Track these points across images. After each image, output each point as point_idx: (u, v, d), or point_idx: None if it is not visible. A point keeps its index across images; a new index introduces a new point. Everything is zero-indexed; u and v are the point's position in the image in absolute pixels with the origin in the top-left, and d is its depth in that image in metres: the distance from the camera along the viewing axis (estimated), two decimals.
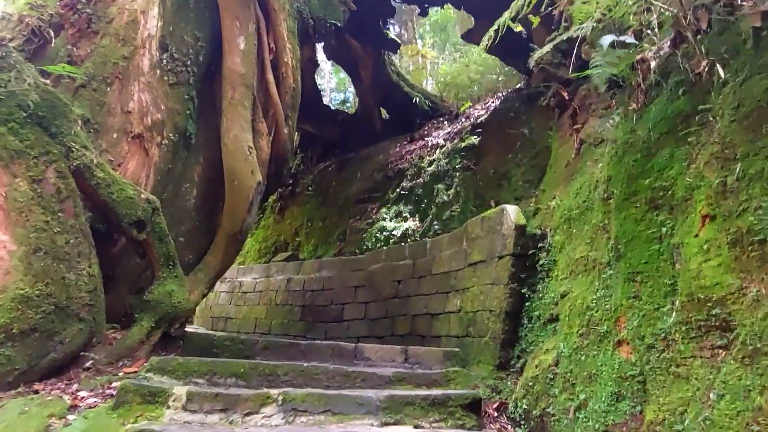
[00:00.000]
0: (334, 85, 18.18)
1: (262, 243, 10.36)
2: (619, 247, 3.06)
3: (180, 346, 5.00)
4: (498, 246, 4.60)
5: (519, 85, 8.93)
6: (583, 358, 3.19)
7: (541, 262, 4.31)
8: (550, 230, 4.47)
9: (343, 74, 13.91)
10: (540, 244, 4.41)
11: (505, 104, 8.39)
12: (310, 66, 10.64)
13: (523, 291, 4.32)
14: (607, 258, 3.27)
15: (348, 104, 13.08)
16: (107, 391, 3.50)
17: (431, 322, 5.78)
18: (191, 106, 5.60)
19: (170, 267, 4.90)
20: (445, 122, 10.06)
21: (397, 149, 9.99)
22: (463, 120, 9.42)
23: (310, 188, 10.08)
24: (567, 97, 5.78)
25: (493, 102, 9.18)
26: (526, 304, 4.27)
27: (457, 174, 8.04)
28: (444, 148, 8.79)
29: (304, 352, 4.77)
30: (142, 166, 5.17)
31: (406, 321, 6.27)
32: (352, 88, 12.25)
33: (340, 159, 10.45)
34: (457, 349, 4.76)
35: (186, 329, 5.14)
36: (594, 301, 3.27)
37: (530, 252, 4.40)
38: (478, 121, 8.65)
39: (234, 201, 5.45)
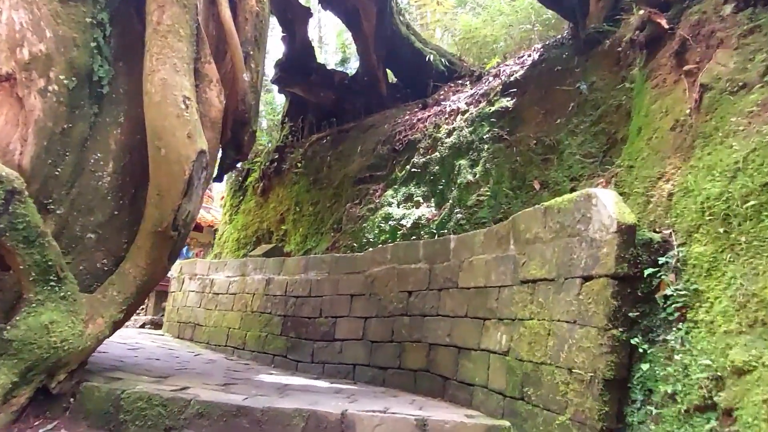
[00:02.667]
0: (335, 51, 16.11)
1: (241, 231, 8.53)
2: None
3: (69, 409, 3.20)
4: (582, 257, 2.73)
5: (563, 35, 6.95)
6: None
7: (666, 293, 2.44)
8: (677, 234, 2.59)
9: (346, 34, 11.90)
10: (661, 259, 2.54)
11: (549, 55, 6.41)
12: (301, 13, 8.69)
13: (633, 342, 2.45)
14: None
15: (347, 64, 11.13)
16: None
17: (458, 360, 3.95)
18: (100, 34, 3.72)
19: (49, 284, 3.08)
20: (467, 84, 8.10)
21: (407, 117, 8.07)
22: (491, 80, 7.45)
23: (299, 165, 8.20)
24: (666, 26, 3.84)
25: (529, 55, 7.20)
26: (641, 367, 2.40)
27: (486, 146, 6.14)
28: (467, 115, 6.87)
29: (259, 423, 2.96)
30: (12, 123, 3.33)
31: (421, 351, 4.45)
32: (352, 46, 10.25)
33: (336, 129, 8.54)
34: (507, 423, 2.94)
35: (83, 380, 3.34)
36: None
37: (646, 272, 2.52)
38: (512, 79, 6.69)
39: (161, 179, 3.60)
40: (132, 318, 13.63)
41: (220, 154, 4.32)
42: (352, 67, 10.74)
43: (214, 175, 4.40)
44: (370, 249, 5.75)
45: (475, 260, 4.02)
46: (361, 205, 7.04)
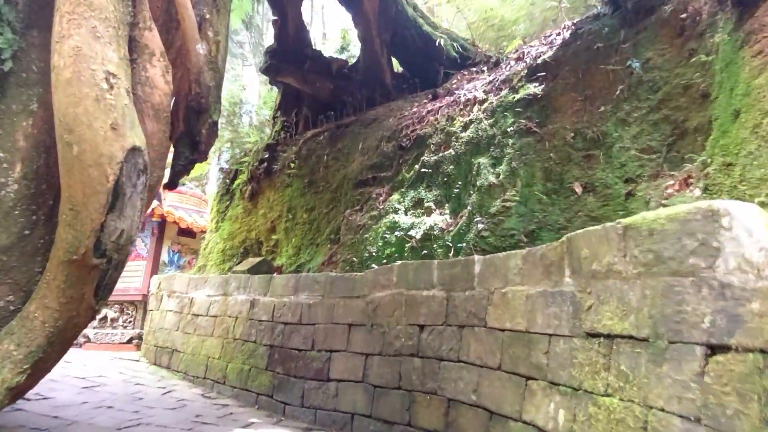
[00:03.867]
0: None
1: (227, 241, 7.51)
2: None
3: None
4: (703, 312, 1.69)
5: (599, 8, 5.86)
6: None
7: None
8: None
9: (346, 20, 10.89)
10: None
11: (586, 32, 5.34)
12: None
13: None
14: None
15: (347, 52, 10.08)
16: None
17: (489, 429, 2.90)
18: None
19: None
20: (483, 71, 7.05)
21: (415, 109, 7.03)
22: (512, 64, 6.39)
23: (292, 165, 7.18)
24: None
25: (558, 34, 6.13)
26: None
27: (510, 141, 5.10)
28: (485, 105, 5.82)
29: None
30: None
31: (437, 406, 3.41)
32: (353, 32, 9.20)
33: (335, 124, 7.51)
34: None
35: None
36: None
37: None
38: (539, 61, 5.63)
39: (75, 189, 2.58)
40: (119, 332, 12.68)
41: (172, 153, 3.30)
42: (353, 55, 9.70)
43: (164, 180, 3.38)
44: (373, 267, 4.71)
45: (511, 292, 2.98)
46: (363, 212, 6.02)
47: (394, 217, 5.53)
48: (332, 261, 5.80)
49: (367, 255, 5.43)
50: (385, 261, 5.22)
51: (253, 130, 8.21)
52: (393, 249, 5.27)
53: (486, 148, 5.34)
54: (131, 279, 13.86)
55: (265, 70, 7.61)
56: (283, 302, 5.18)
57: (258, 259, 6.27)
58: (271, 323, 5.25)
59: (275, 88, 8.90)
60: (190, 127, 3.14)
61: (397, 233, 5.34)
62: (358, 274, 4.66)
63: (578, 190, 4.26)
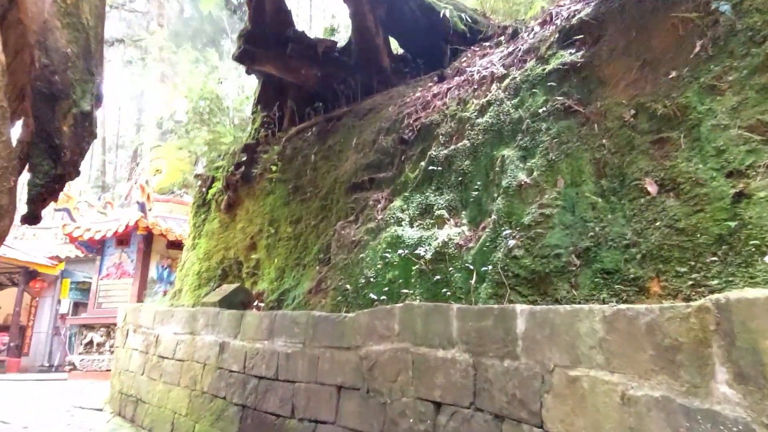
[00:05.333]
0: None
1: (203, 262, 6.34)
2: None
3: None
4: None
5: None
6: None
7: None
8: None
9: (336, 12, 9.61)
10: None
11: None
12: None
13: None
14: None
15: (336, 33, 8.84)
16: None
17: None
18: None
19: None
20: (500, 44, 5.80)
21: (419, 94, 5.82)
22: (536, 30, 5.15)
23: (274, 168, 5.98)
24: None
25: None
26: None
27: (544, 125, 3.87)
28: (506, 81, 4.61)
29: None
30: None
31: None
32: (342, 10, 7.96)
33: (324, 118, 6.32)
34: None
35: None
36: None
37: None
38: (574, 21, 4.37)
39: None
40: (106, 358, 11.58)
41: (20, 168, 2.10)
42: (343, 38, 8.47)
43: (15, 213, 2.18)
44: (366, 310, 3.51)
45: (588, 381, 1.76)
46: (358, 224, 4.82)
47: (396, 230, 4.33)
48: (321, 288, 4.61)
49: (363, 281, 4.23)
50: (386, 289, 4.02)
51: (230, 130, 7.02)
52: (396, 273, 4.07)
53: (511, 137, 4.13)
54: (118, 299, 12.80)
55: (240, 57, 6.41)
56: (256, 349, 4.00)
57: (233, 287, 5.10)
58: (242, 375, 4.07)
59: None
60: (44, 123, 1.97)
61: (400, 251, 4.13)
62: (349, 316, 3.46)
63: (652, 189, 3.00)
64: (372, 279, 4.19)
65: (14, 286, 17.53)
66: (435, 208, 4.31)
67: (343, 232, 4.84)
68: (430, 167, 4.54)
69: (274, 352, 3.84)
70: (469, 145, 4.37)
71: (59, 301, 17.99)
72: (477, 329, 2.43)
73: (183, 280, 6.61)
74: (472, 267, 3.59)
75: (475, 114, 4.59)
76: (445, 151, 4.52)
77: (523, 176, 3.75)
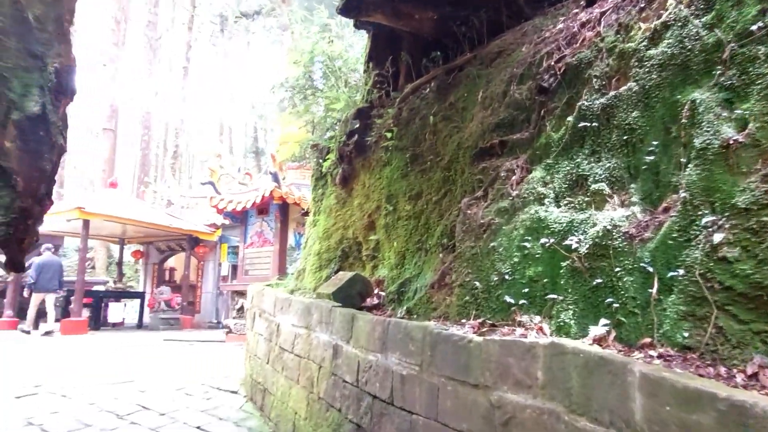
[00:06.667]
0: None
1: (323, 241, 5.88)
2: None
3: None
4: None
5: None
6: None
7: None
8: None
9: None
10: None
11: None
12: None
13: None
14: None
15: None
16: None
17: None
18: None
19: None
20: None
21: (561, 25, 4.57)
22: None
23: (389, 135, 5.21)
24: None
25: None
26: None
27: (763, 49, 2.53)
28: None
29: None
30: None
31: None
32: None
33: (443, 70, 5.34)
34: None
35: None
36: None
37: None
38: None
39: None
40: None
41: None
42: None
43: None
44: (497, 338, 2.64)
45: None
46: (487, 201, 3.89)
47: (537, 211, 3.33)
48: (445, 283, 3.81)
49: (496, 278, 3.34)
50: (525, 290, 3.11)
51: (343, 94, 6.35)
52: (538, 269, 3.11)
53: (705, 72, 2.85)
54: (262, 267, 13.34)
55: (344, 9, 5.63)
56: (369, 361, 3.37)
57: (349, 275, 4.52)
58: (356, 389, 3.49)
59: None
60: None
61: (543, 240, 3.15)
62: (475, 340, 2.61)
63: None
64: (507, 276, 3.28)
65: (183, 251, 19.48)
66: (590, 180, 3.21)
67: (468, 211, 3.95)
68: (581, 123, 3.41)
69: (387, 370, 3.18)
70: (637, 88, 3.16)
71: (220, 264, 19.64)
72: (680, 421, 1.44)
73: (306, 260, 6.27)
74: (650, 269, 2.51)
75: (645, 44, 3.32)
76: (602, 100, 3.34)
77: (729, 131, 2.52)
